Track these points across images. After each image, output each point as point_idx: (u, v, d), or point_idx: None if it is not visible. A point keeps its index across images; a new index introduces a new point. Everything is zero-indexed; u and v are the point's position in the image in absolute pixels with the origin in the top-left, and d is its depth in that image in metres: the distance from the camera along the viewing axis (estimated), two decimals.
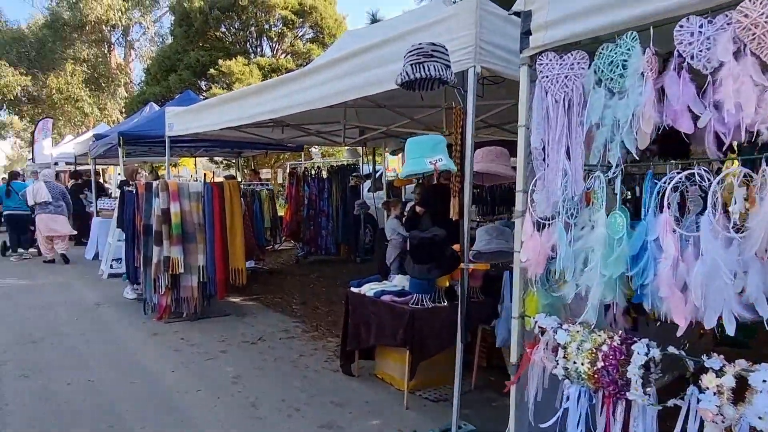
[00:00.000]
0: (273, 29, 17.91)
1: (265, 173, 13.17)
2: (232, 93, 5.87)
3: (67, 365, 4.27)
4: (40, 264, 9.39)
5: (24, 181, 12.04)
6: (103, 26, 22.95)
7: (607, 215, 1.91)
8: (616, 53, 1.92)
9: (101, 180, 13.68)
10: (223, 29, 18.17)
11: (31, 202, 9.43)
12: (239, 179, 9.36)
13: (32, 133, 18.33)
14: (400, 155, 7.96)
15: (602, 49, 1.98)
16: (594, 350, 1.97)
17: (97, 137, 10.62)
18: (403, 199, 8.08)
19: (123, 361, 4.39)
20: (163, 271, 5.42)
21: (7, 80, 20.66)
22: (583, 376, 1.99)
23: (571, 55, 2.07)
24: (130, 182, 6.78)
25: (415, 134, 7.50)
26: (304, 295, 7.00)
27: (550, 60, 2.12)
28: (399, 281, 3.86)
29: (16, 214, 9.93)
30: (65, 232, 9.70)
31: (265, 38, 18.63)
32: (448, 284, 3.58)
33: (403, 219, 6.80)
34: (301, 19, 17.97)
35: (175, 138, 7.33)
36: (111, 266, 8.20)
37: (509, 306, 3.78)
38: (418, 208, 5.83)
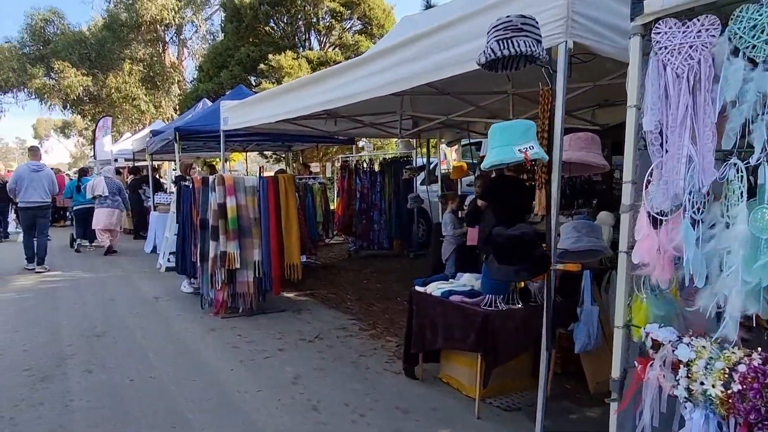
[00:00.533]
0: (321, 22, 17.85)
1: (314, 167, 13.14)
2: (287, 84, 5.75)
3: (129, 360, 4.27)
4: (102, 256, 9.69)
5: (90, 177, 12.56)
6: (158, 25, 23.64)
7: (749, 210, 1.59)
8: (761, 15, 1.59)
9: (157, 176, 14.09)
10: (272, 24, 18.28)
11: (89, 196, 10.05)
12: (290, 173, 9.29)
13: (93, 132, 19.11)
14: (456, 146, 7.66)
15: (741, 11, 1.65)
16: (728, 370, 1.66)
17: (154, 133, 10.84)
18: (459, 193, 7.78)
19: (182, 357, 4.35)
20: (220, 266, 5.37)
21: (70, 81, 21.64)
22: (714, 400, 1.68)
23: (698, 20, 1.75)
24: (186, 177, 6.80)
25: (476, 123, 7.19)
26: (359, 291, 6.85)
27: (670, 28, 1.81)
28: (467, 280, 3.61)
29: (84, 207, 10.55)
30: (118, 227, 10.23)
31: (313, 31, 18.62)
32: (523, 284, 3.30)
33: (461, 213, 6.53)
34: (349, 11, 17.83)
35: (229, 132, 7.32)
36: (168, 260, 8.32)
37: (590, 309, 3.47)
38: (479, 202, 5.53)
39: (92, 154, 19.46)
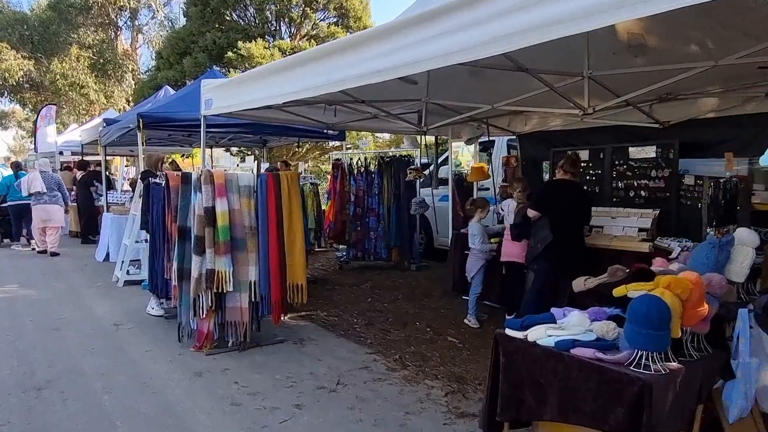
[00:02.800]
0: (294, 10, 16.57)
1: (300, 166, 11.89)
2: (289, 59, 4.56)
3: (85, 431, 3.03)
4: (42, 266, 8.14)
5: (26, 171, 11.05)
6: (110, 8, 21.64)
7: None
8: None
9: (107, 173, 12.40)
10: (239, 11, 16.86)
11: (25, 193, 9.22)
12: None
13: (34, 122, 17.08)
14: (474, 145, 6.69)
15: None
16: None
17: (108, 122, 9.38)
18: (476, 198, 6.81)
19: (165, 425, 3.14)
20: (206, 288, 4.17)
21: (9, 64, 19.38)
22: None
23: None
24: (156, 173, 5.51)
25: (505, 118, 6.17)
26: (366, 313, 5.75)
27: None
28: (579, 321, 2.59)
29: (19, 204, 9.70)
30: (58, 222, 9.38)
31: (283, 21, 17.30)
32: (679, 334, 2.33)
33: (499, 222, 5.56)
34: (324, 1, 16.63)
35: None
36: (128, 272, 6.96)
37: (747, 363, 2.56)
38: (531, 212, 4.57)
39: (33, 146, 17.42)
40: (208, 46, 15.27)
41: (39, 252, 9.27)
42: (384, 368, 4.14)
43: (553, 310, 2.79)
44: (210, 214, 4.13)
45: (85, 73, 21.10)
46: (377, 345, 4.74)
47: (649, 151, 5.15)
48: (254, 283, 4.33)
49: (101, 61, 22.08)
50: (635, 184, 5.21)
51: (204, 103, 5.23)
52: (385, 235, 7.78)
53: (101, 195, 10.81)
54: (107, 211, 9.72)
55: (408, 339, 4.91)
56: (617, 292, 2.48)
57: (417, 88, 4.92)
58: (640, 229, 4.80)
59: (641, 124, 5.11)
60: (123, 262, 7.02)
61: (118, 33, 23.65)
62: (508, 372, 2.63)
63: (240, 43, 14.46)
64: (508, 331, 2.68)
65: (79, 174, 11.78)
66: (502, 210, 5.44)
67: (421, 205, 7.39)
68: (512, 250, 5.07)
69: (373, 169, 7.87)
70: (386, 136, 15.48)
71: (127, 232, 7.33)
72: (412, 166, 7.47)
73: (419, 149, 7.91)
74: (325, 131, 8.36)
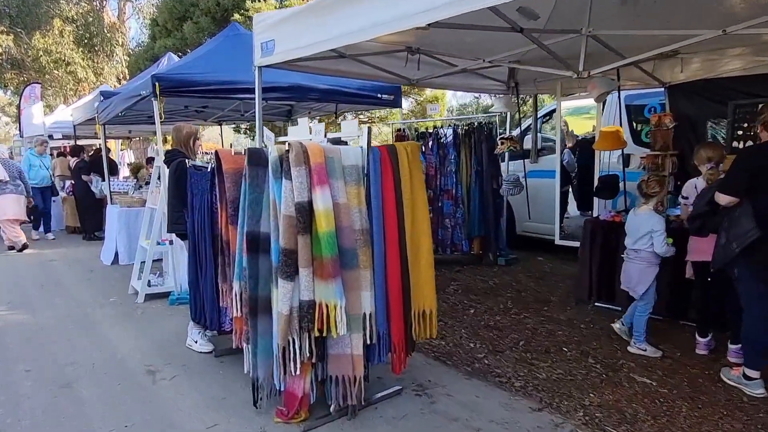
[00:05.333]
0: None
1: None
2: None
3: None
4: (37, 273, 6.55)
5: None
6: None
7: None
8: None
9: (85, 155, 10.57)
10: None
11: None
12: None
13: (18, 105, 15.24)
14: (602, 103, 5.08)
15: None
16: None
17: (106, 95, 7.71)
18: (597, 174, 5.27)
19: None
20: (301, 330, 2.64)
21: None
22: None
23: None
24: (188, 154, 3.90)
25: (694, 57, 4.30)
26: (478, 332, 4.30)
27: None
28: None
29: None
30: (23, 216, 8.42)
31: None
32: None
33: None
34: None
35: (240, 84, 4.56)
36: (149, 283, 5.41)
37: None
38: (723, 198, 3.06)
39: (18, 131, 15.60)
40: (211, 9, 13.41)
41: (9, 248, 8.23)
42: None
43: None
44: (306, 213, 2.57)
45: (71, 49, 19.08)
46: (533, 391, 3.26)
47: None
48: (369, 316, 2.80)
49: (87, 35, 20.02)
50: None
51: (259, 48, 3.64)
52: (465, 223, 6.24)
53: (97, 186, 9.20)
54: (111, 203, 8.13)
55: (572, 378, 3.43)
56: None
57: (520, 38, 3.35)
58: None
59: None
60: (143, 269, 5.46)
61: (104, 3, 21.50)
62: None
63: (248, 3, 12.62)
64: None
65: (73, 161, 10.09)
66: (683, 198, 3.89)
67: (515, 184, 5.84)
68: (706, 246, 3.55)
69: (446, 140, 6.27)
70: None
71: (144, 230, 5.76)
72: (504, 135, 5.87)
73: (505, 114, 6.30)
74: (379, 95, 6.80)
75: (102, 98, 7.66)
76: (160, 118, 5.13)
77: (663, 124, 4.49)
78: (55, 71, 19.25)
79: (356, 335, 2.76)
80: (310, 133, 3.22)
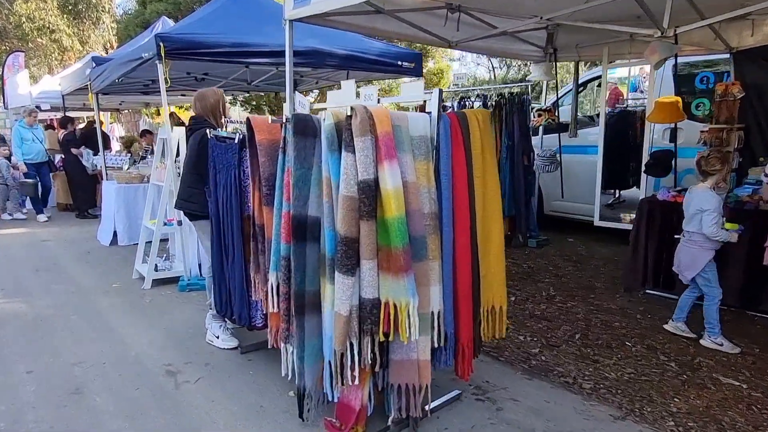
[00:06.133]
0: None
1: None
2: None
3: None
4: (30, 254, 6.04)
5: None
6: None
7: None
8: None
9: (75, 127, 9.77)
10: None
11: None
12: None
13: (0, 76, 14.37)
14: (658, 69, 4.62)
15: None
16: None
17: (98, 60, 7.10)
18: (648, 148, 4.84)
19: None
20: (363, 332, 2.21)
21: None
22: None
23: None
24: (214, 123, 3.38)
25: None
26: (525, 323, 3.93)
27: None
28: None
29: None
30: None
31: None
32: None
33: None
34: None
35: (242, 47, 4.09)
36: (156, 267, 4.94)
37: None
38: None
39: (2, 102, 14.76)
40: None
41: None
42: None
43: None
44: (371, 193, 2.11)
45: (55, 15, 18.08)
46: (607, 393, 2.89)
47: None
48: (438, 315, 2.37)
49: (72, 0, 18.97)
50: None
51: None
52: None
53: (94, 160, 8.61)
54: (107, 179, 7.58)
55: (647, 378, 3.06)
56: None
57: None
58: None
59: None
60: (150, 251, 4.98)
61: None
62: None
63: None
64: None
65: (62, 134, 9.45)
66: (767, 176, 3.48)
67: (551, 160, 5.40)
68: None
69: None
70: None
71: (149, 209, 5.25)
72: (540, 107, 5.40)
73: (541, 84, 5.82)
74: (400, 63, 6.27)
75: (94, 65, 7.05)
76: (166, 83, 4.59)
77: (730, 95, 4.06)
78: (39, 39, 18.29)
79: (423, 337, 2.34)
80: (358, 98, 2.74)
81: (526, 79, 8.88)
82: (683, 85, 5.13)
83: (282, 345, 2.72)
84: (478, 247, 2.54)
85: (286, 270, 2.59)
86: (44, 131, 9.27)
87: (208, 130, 3.14)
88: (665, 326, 3.73)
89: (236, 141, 2.91)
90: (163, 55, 4.49)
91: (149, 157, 8.76)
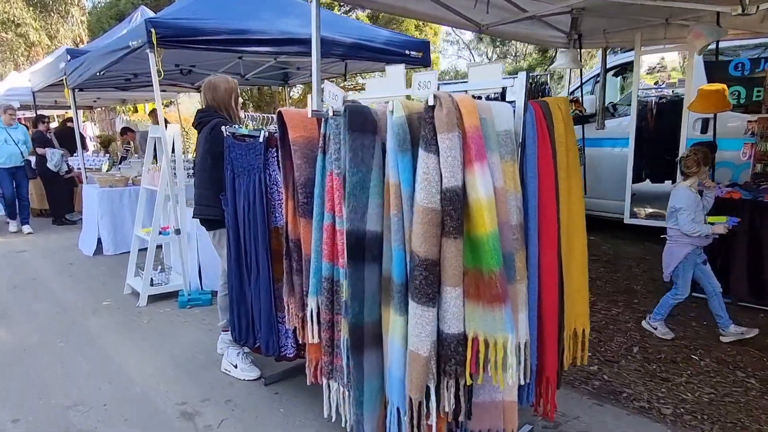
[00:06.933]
0: None
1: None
2: None
3: None
4: (3, 266, 5.43)
5: None
6: None
7: None
8: None
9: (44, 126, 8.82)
10: None
11: None
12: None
13: None
14: (701, 55, 4.27)
15: None
16: None
17: (74, 53, 6.51)
18: (684, 141, 4.51)
19: None
20: (445, 374, 1.79)
21: None
22: None
23: None
24: (233, 118, 2.89)
25: None
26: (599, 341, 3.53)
27: None
28: None
29: None
30: None
31: None
32: None
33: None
34: None
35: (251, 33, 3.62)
36: (152, 281, 4.43)
37: None
38: None
39: None
40: None
41: None
42: None
43: None
44: (459, 204, 1.68)
45: (21, 8, 17.06)
46: (693, 421, 2.55)
47: None
48: (525, 346, 1.96)
49: None
50: None
51: None
52: None
53: (70, 162, 7.94)
54: (87, 182, 6.97)
55: (731, 400, 2.72)
56: None
57: None
58: None
59: None
60: (145, 265, 4.47)
61: None
62: None
63: None
64: None
65: (32, 132, 8.72)
66: None
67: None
68: None
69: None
70: None
71: (140, 216, 4.72)
72: (569, 97, 5.03)
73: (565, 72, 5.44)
74: (407, 52, 5.84)
75: (69, 58, 6.44)
76: (159, 75, 4.06)
77: None
78: (4, 34, 17.25)
79: (510, 374, 1.94)
80: (409, 87, 2.30)
81: (550, 67, 8.52)
82: (716, 73, 4.82)
83: (324, 381, 2.30)
84: (562, 261, 2.15)
85: (329, 293, 2.19)
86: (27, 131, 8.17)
87: (221, 126, 2.66)
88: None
89: (261, 139, 2.44)
90: (155, 42, 3.97)
91: (131, 158, 8.16)
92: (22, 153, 7.14)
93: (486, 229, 1.68)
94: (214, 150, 2.67)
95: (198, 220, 3.00)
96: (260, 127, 2.55)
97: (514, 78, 1.91)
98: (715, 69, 4.92)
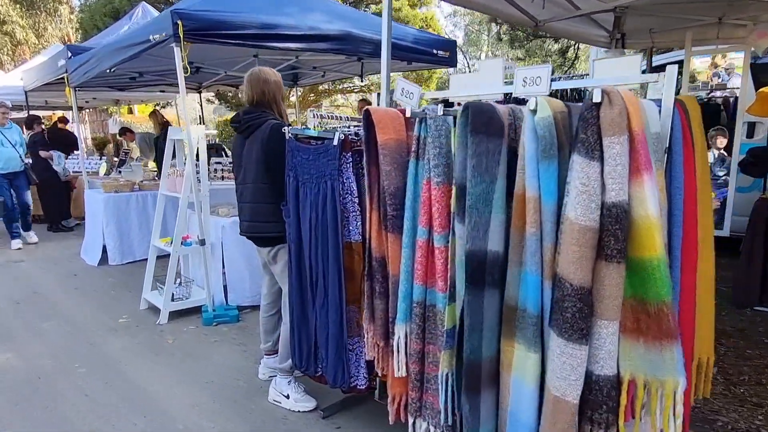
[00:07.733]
0: None
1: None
2: None
3: None
4: (6, 280, 5.01)
5: None
6: None
7: None
8: None
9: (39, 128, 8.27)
10: None
11: None
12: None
13: None
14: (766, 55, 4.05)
15: None
16: None
17: (75, 51, 6.11)
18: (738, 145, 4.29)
19: None
20: (595, 424, 1.49)
21: None
22: None
23: None
24: (283, 117, 2.57)
25: None
26: None
27: None
28: None
29: None
30: None
31: None
32: None
33: None
34: None
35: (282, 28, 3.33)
36: (172, 296, 4.07)
37: None
38: None
39: None
40: None
41: None
42: None
43: None
44: (624, 223, 1.39)
45: (6, 5, 16.46)
46: None
47: None
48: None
49: None
50: None
51: None
52: None
53: (61, 164, 7.51)
54: (89, 187, 6.56)
55: None
56: None
57: None
58: None
59: None
60: (161, 281, 4.11)
61: None
62: None
63: None
64: None
65: (28, 135, 8.26)
66: None
67: None
68: None
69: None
70: None
71: (158, 224, 4.35)
72: None
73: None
74: (435, 51, 5.58)
75: (70, 55, 6.05)
76: (185, 71, 3.72)
77: None
78: None
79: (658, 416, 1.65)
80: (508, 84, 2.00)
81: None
82: (763, 76, 4.62)
83: (410, 419, 2.01)
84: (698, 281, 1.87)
85: (420, 320, 1.90)
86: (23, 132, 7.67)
87: (284, 128, 2.34)
88: None
89: (335, 142, 2.13)
90: (181, 35, 3.63)
91: (132, 161, 7.76)
92: (20, 156, 6.61)
93: (656, 252, 1.39)
94: (277, 156, 2.34)
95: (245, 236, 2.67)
96: (327, 127, 2.24)
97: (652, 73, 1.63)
98: (762, 71, 4.73)
